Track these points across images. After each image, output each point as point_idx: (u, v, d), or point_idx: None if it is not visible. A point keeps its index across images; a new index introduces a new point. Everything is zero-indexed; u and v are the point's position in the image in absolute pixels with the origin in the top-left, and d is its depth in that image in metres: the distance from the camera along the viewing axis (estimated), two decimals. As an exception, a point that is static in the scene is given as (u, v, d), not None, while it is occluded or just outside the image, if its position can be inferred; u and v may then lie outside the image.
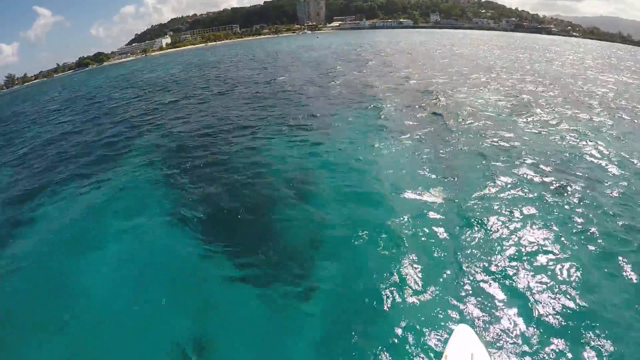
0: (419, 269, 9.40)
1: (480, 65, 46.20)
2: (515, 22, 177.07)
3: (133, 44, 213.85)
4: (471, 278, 9.14)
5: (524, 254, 9.93)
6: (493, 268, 9.43)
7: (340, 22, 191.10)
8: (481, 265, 9.55)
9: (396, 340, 7.66)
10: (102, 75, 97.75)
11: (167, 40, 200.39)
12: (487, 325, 7.87)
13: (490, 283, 8.98)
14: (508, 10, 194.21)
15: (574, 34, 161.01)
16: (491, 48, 76.63)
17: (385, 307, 8.48)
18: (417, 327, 7.88)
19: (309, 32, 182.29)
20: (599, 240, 10.52)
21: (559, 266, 9.44)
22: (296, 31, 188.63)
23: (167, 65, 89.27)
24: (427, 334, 7.71)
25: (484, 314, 8.15)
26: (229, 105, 30.59)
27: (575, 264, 9.49)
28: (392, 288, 8.90)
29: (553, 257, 9.81)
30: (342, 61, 52.76)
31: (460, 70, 41.07)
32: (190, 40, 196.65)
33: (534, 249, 10.10)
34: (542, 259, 9.73)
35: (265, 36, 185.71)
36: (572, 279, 9.06)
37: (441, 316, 8.11)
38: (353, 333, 7.97)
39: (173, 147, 20.89)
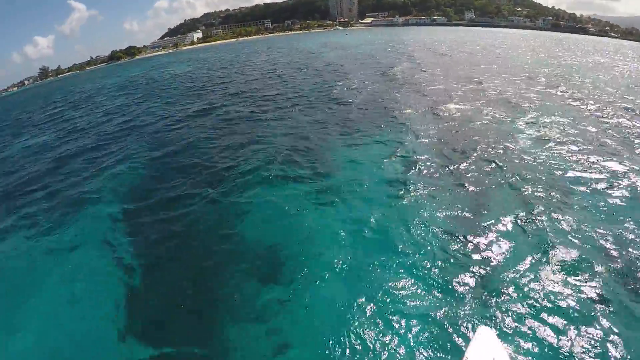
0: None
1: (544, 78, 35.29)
2: (551, 21, 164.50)
3: (165, 38, 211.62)
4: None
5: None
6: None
7: (372, 19, 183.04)
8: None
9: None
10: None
11: (198, 34, 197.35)
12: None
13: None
14: (544, 8, 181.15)
15: (612, 34, 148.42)
16: (537, 50, 65.00)
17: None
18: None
19: (341, 28, 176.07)
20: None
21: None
22: (328, 27, 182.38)
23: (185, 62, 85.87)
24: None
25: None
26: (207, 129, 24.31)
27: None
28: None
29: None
30: (366, 66, 44.26)
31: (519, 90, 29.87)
32: (221, 35, 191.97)
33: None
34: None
35: (296, 32, 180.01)
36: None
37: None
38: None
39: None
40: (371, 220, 11.62)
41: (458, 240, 10.36)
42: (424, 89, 29.06)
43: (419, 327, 7.73)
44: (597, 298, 8.29)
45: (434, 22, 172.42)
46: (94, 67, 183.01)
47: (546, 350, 7.12)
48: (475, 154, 15.79)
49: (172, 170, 17.98)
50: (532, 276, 8.88)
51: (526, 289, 8.54)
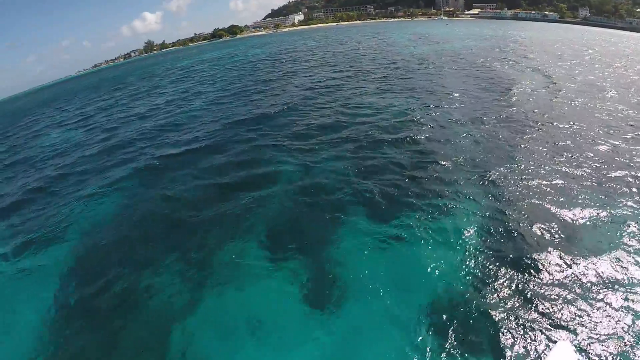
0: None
1: None
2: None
3: (267, 19, 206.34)
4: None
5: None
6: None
7: (479, 10, 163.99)
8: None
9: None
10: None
11: (299, 17, 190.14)
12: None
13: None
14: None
15: None
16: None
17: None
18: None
19: (446, 18, 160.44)
20: None
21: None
22: (432, 16, 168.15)
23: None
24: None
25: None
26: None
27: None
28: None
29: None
30: (469, 77, 32.06)
31: None
32: (322, 18, 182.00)
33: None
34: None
35: (399, 19, 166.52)
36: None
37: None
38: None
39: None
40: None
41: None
42: (580, 148, 16.16)
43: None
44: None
45: (545, 17, 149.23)
46: (196, 44, 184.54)
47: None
48: None
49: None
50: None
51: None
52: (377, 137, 18.26)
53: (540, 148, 16.07)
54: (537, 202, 12.17)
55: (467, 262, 9.87)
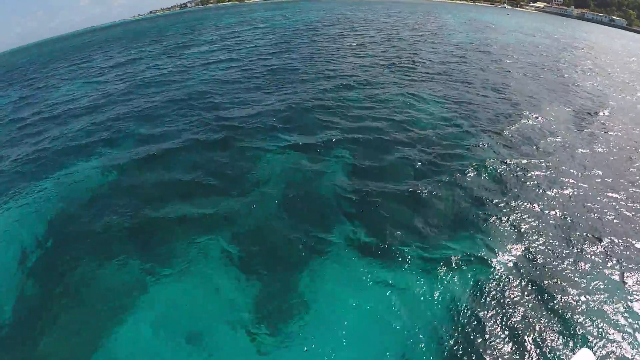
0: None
1: None
2: None
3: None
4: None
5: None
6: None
7: (545, 4, 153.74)
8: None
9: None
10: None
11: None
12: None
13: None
14: None
15: None
16: None
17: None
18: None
19: (509, 7, 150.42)
20: None
21: None
22: (495, 3, 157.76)
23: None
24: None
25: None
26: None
27: None
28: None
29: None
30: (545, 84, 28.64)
31: None
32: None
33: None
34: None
35: (459, 1, 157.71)
36: None
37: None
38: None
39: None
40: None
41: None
42: None
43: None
44: None
45: (612, 22, 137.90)
46: (251, 2, 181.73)
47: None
48: None
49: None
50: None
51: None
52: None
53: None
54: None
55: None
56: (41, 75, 46.95)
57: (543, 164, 15.45)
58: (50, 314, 9.63)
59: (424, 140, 16.99)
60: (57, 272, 10.96)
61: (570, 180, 14.44)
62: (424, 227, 11.73)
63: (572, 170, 15.24)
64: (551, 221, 12.23)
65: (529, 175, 14.48)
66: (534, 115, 20.45)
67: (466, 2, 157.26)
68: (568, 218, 12.44)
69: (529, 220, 12.11)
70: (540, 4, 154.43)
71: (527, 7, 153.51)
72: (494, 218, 12.08)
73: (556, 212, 12.63)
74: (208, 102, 22.75)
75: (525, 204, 12.84)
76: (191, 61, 36.54)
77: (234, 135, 17.90)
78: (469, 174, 14.32)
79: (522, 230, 11.63)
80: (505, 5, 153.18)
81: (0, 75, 58.96)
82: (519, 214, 12.29)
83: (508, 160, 15.31)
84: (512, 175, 14.47)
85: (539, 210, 12.64)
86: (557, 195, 13.53)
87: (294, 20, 68.90)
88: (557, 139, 18.08)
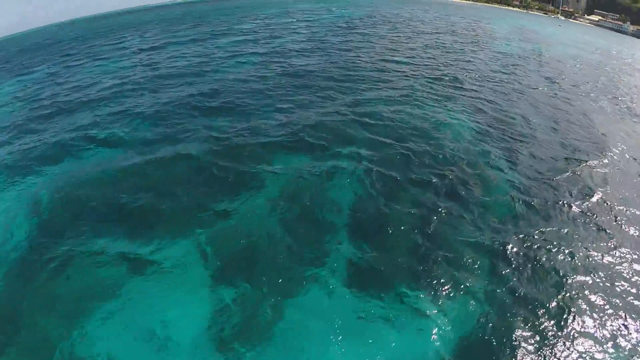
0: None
1: None
2: None
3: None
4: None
5: None
6: None
7: (600, 18, 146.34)
8: None
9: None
10: None
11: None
12: None
13: None
14: None
15: None
16: None
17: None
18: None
19: (562, 18, 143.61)
20: None
21: None
22: (549, 13, 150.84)
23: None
24: None
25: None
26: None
27: None
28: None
29: None
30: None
31: None
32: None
33: None
34: None
35: (512, 8, 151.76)
36: None
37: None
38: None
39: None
40: None
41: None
42: None
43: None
44: None
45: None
46: None
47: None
48: None
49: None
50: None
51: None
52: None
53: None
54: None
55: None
56: (76, 52, 47.46)
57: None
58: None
59: (451, 172, 14.97)
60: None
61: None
62: (425, 268, 10.44)
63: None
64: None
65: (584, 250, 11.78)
66: (598, 168, 16.88)
67: (518, 9, 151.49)
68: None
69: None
70: (595, 17, 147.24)
71: (580, 20, 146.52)
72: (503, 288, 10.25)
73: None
74: (219, 102, 21.70)
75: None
76: (218, 52, 35.71)
77: (240, 142, 16.87)
78: (496, 225, 12.29)
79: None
80: (560, 16, 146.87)
81: (40, 49, 60.19)
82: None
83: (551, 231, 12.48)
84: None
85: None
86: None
87: (335, 15, 66.87)
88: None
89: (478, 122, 19.65)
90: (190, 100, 21.87)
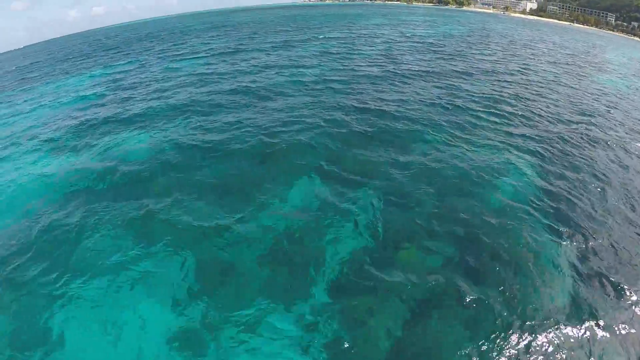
0: None
1: None
2: None
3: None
4: None
5: None
6: None
7: None
8: None
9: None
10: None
11: (532, 4, 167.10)
12: None
13: None
14: None
15: None
16: None
17: None
18: None
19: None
20: None
21: None
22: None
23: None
24: None
25: None
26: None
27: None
28: None
29: None
30: None
31: None
32: (556, 12, 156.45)
33: None
34: None
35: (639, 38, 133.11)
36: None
37: None
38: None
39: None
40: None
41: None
42: None
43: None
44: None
45: None
46: (421, 4, 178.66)
47: None
48: None
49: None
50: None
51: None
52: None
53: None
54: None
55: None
56: (172, 45, 50.64)
57: None
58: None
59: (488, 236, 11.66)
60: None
61: None
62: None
63: None
64: None
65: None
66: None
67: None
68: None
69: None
70: None
71: None
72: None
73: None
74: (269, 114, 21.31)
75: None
76: (287, 61, 35.84)
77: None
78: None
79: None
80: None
81: (123, 45, 66.80)
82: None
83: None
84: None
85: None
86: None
87: (435, 30, 63.82)
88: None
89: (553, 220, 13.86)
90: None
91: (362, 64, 32.83)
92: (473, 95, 25.37)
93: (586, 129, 21.39)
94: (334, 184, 14.17)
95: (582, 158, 17.59)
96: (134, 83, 31.44)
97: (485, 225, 12.05)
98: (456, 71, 32.03)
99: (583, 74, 39.43)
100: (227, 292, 9.79)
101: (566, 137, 19.68)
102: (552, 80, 33.86)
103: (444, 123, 19.84)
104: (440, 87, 27.01)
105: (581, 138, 19.94)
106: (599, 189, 15.07)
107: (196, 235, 11.66)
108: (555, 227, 12.31)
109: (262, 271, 10.46)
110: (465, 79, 29.34)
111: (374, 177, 14.58)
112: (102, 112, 23.58)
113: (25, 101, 31.47)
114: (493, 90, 27.26)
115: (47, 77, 42.98)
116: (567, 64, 44.98)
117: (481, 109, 22.55)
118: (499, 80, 30.57)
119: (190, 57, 42.22)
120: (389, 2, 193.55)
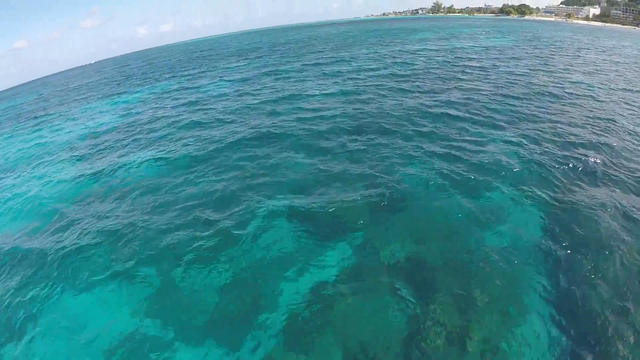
0: None
1: None
2: None
3: (560, 5, 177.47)
4: None
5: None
6: None
7: None
8: None
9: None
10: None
11: (595, 10, 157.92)
12: None
13: None
14: None
15: None
16: None
17: None
18: None
19: None
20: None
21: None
22: None
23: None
24: None
25: None
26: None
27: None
28: None
29: None
30: None
31: None
32: (620, 17, 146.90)
33: None
34: None
35: None
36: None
37: None
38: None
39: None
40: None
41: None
42: None
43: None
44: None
45: None
46: (482, 15, 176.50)
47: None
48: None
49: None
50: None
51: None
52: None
53: None
54: None
55: None
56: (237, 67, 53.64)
57: None
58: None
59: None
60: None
61: None
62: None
63: None
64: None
65: None
66: None
67: None
68: None
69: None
70: None
71: None
72: None
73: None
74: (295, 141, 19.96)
75: None
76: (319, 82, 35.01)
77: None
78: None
79: None
80: None
81: (197, 59, 72.60)
82: None
83: None
84: None
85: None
86: None
87: (486, 45, 54.91)
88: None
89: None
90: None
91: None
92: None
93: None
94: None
95: None
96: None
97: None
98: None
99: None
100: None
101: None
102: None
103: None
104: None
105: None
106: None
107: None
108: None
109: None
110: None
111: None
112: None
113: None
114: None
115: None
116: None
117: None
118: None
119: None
120: (451, 14, 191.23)
